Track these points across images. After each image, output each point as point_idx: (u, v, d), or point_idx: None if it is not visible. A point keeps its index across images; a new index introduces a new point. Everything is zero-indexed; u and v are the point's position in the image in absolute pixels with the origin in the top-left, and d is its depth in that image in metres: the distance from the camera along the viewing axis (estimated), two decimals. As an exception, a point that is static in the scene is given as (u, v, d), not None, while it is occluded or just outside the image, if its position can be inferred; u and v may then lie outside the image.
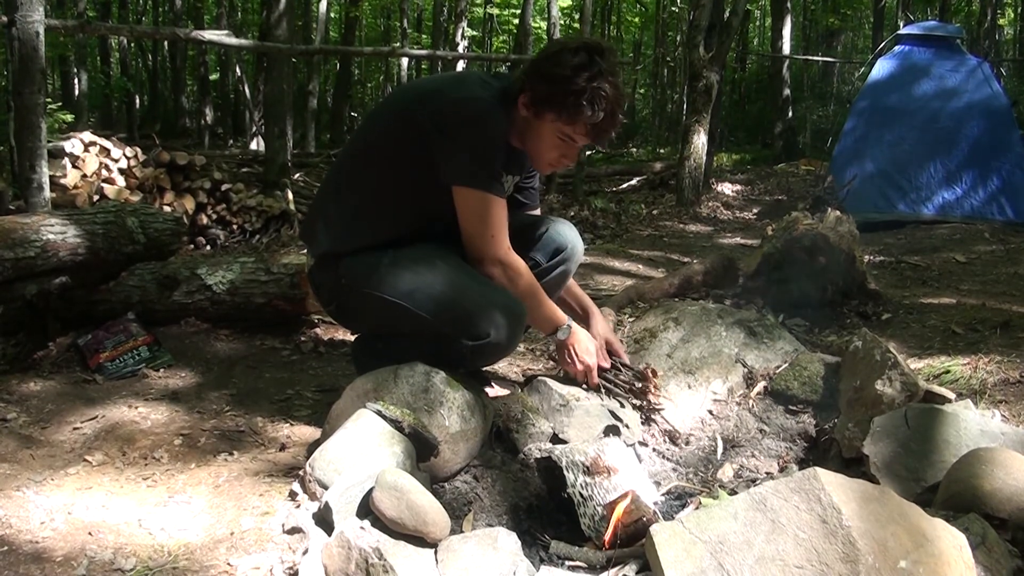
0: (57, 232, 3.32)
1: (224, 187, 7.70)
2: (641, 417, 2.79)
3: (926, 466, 2.20)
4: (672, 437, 2.78)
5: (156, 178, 7.27)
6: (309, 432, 2.82)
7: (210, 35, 7.96)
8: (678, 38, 23.11)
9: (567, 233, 2.99)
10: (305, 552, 1.96)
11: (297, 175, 10.09)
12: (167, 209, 6.96)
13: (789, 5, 16.77)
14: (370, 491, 1.95)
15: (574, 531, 2.15)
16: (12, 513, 2.19)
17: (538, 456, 2.41)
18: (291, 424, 2.92)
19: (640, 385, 2.81)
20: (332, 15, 24.01)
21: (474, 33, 23.56)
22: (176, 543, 2.10)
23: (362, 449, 2.19)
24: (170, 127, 22.05)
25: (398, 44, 18.67)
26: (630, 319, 3.41)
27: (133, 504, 2.30)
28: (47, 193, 5.16)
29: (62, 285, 3.36)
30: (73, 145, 6.78)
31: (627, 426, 2.66)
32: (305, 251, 3.08)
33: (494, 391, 2.91)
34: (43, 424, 2.81)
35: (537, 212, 3.14)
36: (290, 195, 8.46)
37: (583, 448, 2.27)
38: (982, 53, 14.41)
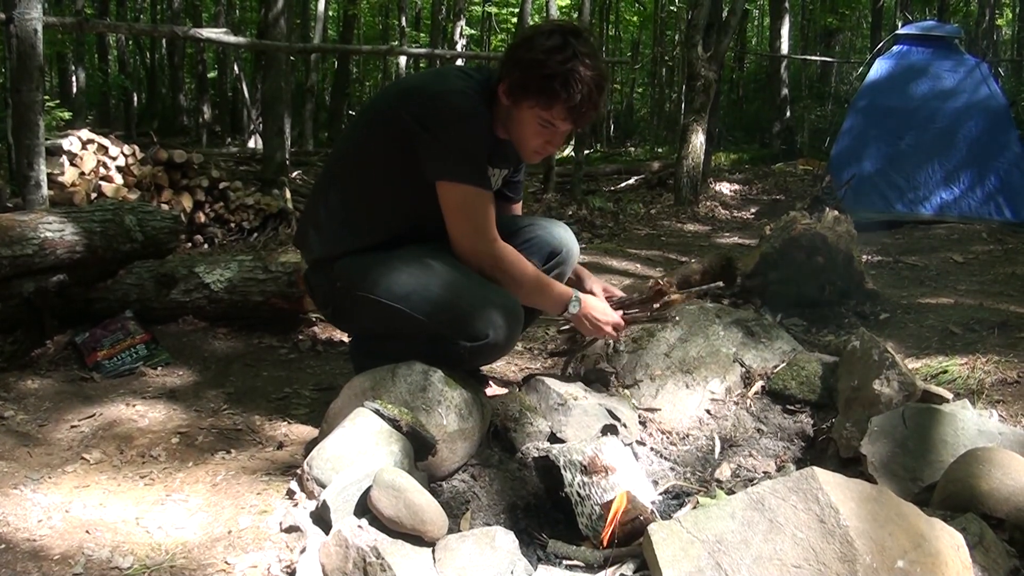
0: (55, 230, 3.32)
1: (222, 185, 7.71)
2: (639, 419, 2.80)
3: (923, 466, 2.21)
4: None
5: (154, 176, 7.28)
6: (307, 431, 2.82)
7: (208, 33, 7.97)
8: (676, 37, 23.13)
9: (562, 235, 2.95)
10: (303, 551, 1.96)
11: (295, 173, 10.09)
12: (165, 207, 6.96)
13: (788, 4, 16.78)
14: (368, 490, 1.95)
15: (572, 530, 2.15)
16: (9, 511, 2.19)
17: (536, 455, 2.41)
18: (289, 423, 2.91)
19: (658, 305, 2.82)
20: (330, 13, 24.03)
21: (472, 31, 23.59)
22: (173, 541, 2.10)
23: (360, 448, 2.19)
24: (168, 125, 22.05)
25: (396, 42, 18.69)
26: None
27: (130, 502, 2.30)
28: (45, 191, 5.16)
29: (60, 283, 3.36)
30: (71, 143, 6.78)
31: (625, 425, 2.66)
32: (301, 253, 3.07)
33: (492, 390, 2.91)
34: (40, 422, 2.81)
35: (519, 206, 3.11)
36: (288, 193, 8.46)
37: (581, 447, 2.27)
38: (980, 53, 14.42)
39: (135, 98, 24.64)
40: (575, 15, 15.26)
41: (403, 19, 20.06)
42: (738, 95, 24.95)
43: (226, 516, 2.22)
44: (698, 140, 9.92)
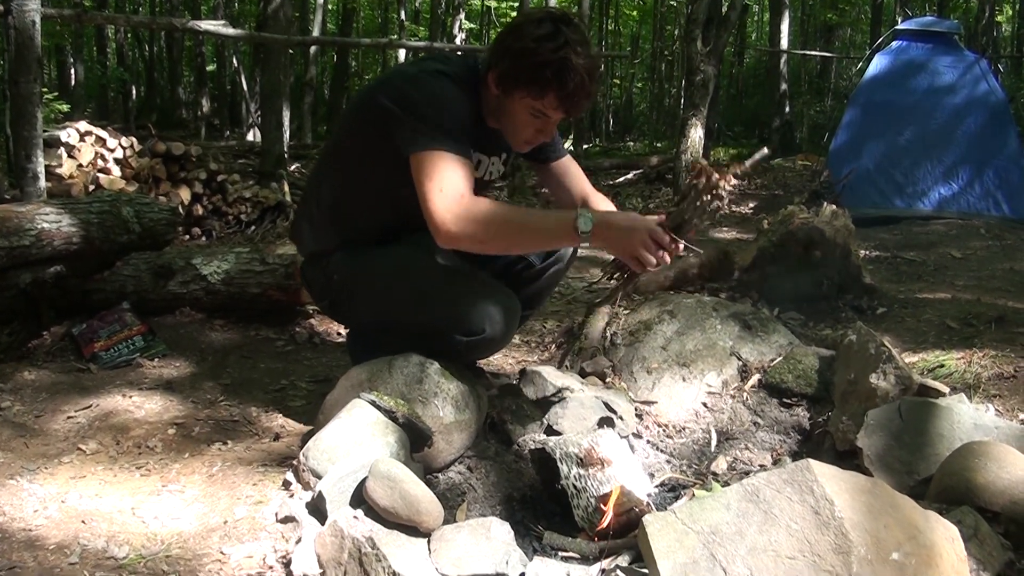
0: (52, 221, 3.32)
1: (220, 178, 7.70)
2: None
3: (919, 459, 2.21)
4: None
5: (152, 168, 7.26)
6: (303, 422, 2.82)
7: (207, 25, 7.95)
8: (676, 32, 23.10)
9: None
10: (299, 541, 1.96)
11: (293, 167, 10.08)
12: (162, 199, 6.95)
13: (787, 0, 16.75)
14: (364, 481, 1.95)
15: (568, 522, 2.15)
16: (5, 501, 2.19)
17: (532, 447, 2.40)
18: (285, 414, 2.91)
19: (710, 184, 2.41)
20: (330, 6, 23.99)
21: (472, 26, 23.53)
22: (169, 532, 2.10)
23: (356, 439, 2.19)
24: (166, 118, 21.97)
25: (396, 36, 18.66)
26: (625, 311, 3.40)
27: (126, 493, 2.30)
28: (43, 183, 5.14)
29: (57, 274, 3.36)
30: (69, 135, 6.77)
31: (621, 418, 2.66)
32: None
33: (489, 383, 2.91)
34: (37, 413, 2.81)
35: (566, 161, 2.93)
36: (286, 186, 8.46)
37: (577, 440, 2.27)
38: (980, 49, 14.39)
39: (133, 91, 24.58)
40: (575, 9, 15.25)
41: (402, 13, 20.00)
42: (737, 90, 24.92)
43: (222, 506, 2.22)
44: (697, 135, 9.89)
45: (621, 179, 12.29)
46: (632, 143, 20.37)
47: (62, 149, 6.66)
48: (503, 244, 2.41)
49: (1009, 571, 1.78)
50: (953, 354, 3.18)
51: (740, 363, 3.01)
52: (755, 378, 2.93)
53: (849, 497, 1.58)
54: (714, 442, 2.72)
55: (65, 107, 9.81)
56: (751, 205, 10.32)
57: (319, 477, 2.12)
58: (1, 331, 3.28)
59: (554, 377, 2.74)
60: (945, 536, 1.61)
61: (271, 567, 1.93)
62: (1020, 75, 18.39)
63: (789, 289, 3.96)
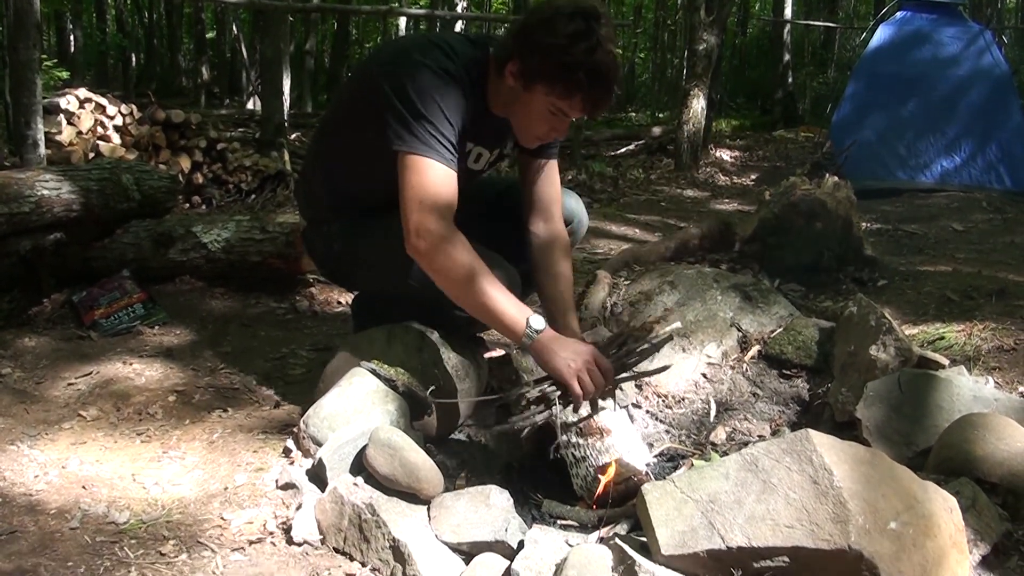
0: (52, 188, 3.31)
1: (220, 146, 7.68)
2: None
3: (918, 431, 2.22)
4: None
5: (152, 136, 7.24)
6: (303, 390, 2.82)
7: (206, -9, 7.88)
8: (679, 1, 22.92)
9: (572, 205, 2.83)
10: (299, 507, 1.97)
11: (294, 135, 10.04)
12: (162, 167, 6.92)
13: (791, -31, 16.61)
14: (363, 448, 1.96)
15: (567, 491, 2.16)
16: (6, 467, 2.20)
17: (532, 418, 2.40)
18: (285, 382, 2.92)
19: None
20: (330, -26, 23.73)
21: (473, -7, 23.32)
22: (170, 497, 2.11)
23: (356, 407, 2.19)
24: (166, 86, 21.86)
25: (396, 3, 18.50)
26: (626, 282, 3.40)
27: (127, 459, 2.31)
28: (42, 150, 5.14)
29: (57, 241, 3.35)
30: (68, 102, 6.73)
31: (620, 389, 2.66)
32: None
33: (489, 352, 2.91)
34: (37, 379, 2.81)
35: (552, 162, 2.74)
36: (286, 155, 8.43)
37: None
38: (984, 20, 14.28)
39: (133, 58, 24.46)
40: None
41: (403, -20, 19.84)
42: (740, 61, 24.73)
43: (222, 473, 2.23)
44: (699, 106, 9.87)
45: (623, 150, 12.23)
46: (634, 113, 20.22)
47: (62, 116, 6.63)
48: (455, 292, 2.27)
49: (1007, 541, 1.79)
50: (953, 326, 3.18)
51: (740, 334, 3.01)
52: (755, 349, 2.93)
53: (848, 467, 1.59)
54: (713, 412, 2.72)
55: (65, 74, 9.76)
56: (752, 177, 10.30)
57: (319, 444, 2.12)
58: (1, 298, 3.28)
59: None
60: (943, 506, 1.62)
61: (271, 533, 1.94)
62: (1025, 47, 18.26)
63: (790, 260, 3.95)
